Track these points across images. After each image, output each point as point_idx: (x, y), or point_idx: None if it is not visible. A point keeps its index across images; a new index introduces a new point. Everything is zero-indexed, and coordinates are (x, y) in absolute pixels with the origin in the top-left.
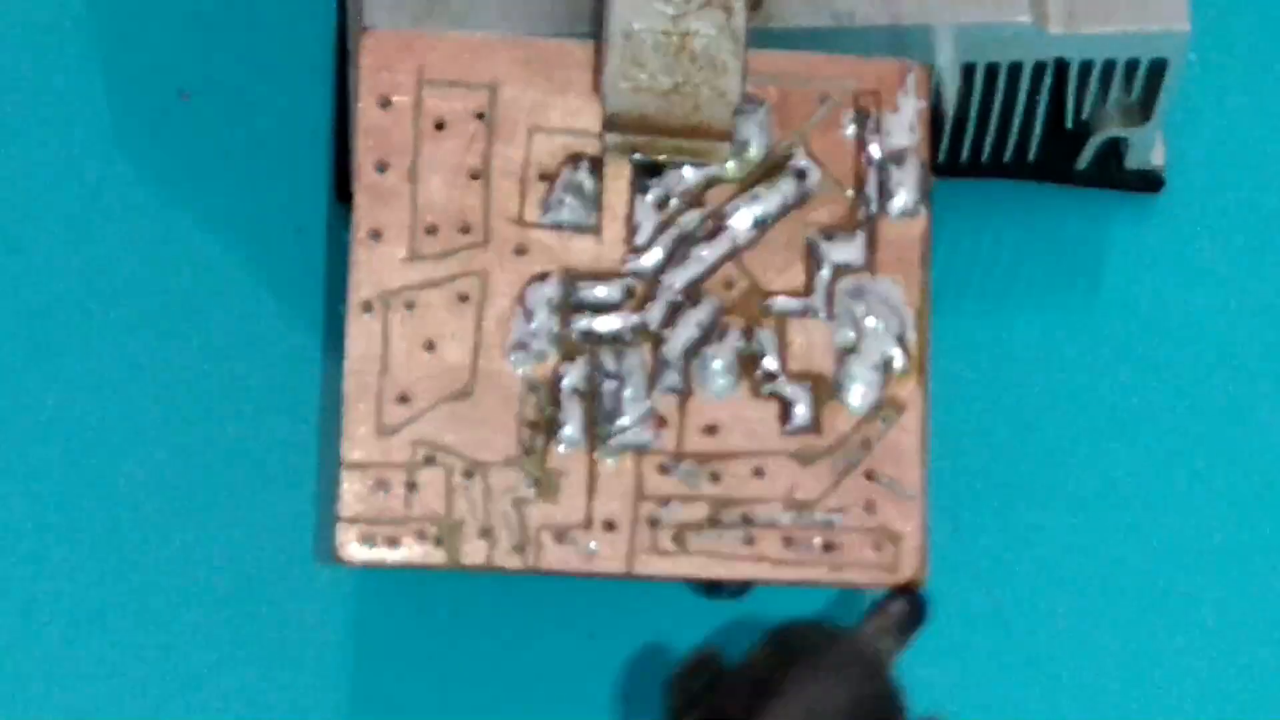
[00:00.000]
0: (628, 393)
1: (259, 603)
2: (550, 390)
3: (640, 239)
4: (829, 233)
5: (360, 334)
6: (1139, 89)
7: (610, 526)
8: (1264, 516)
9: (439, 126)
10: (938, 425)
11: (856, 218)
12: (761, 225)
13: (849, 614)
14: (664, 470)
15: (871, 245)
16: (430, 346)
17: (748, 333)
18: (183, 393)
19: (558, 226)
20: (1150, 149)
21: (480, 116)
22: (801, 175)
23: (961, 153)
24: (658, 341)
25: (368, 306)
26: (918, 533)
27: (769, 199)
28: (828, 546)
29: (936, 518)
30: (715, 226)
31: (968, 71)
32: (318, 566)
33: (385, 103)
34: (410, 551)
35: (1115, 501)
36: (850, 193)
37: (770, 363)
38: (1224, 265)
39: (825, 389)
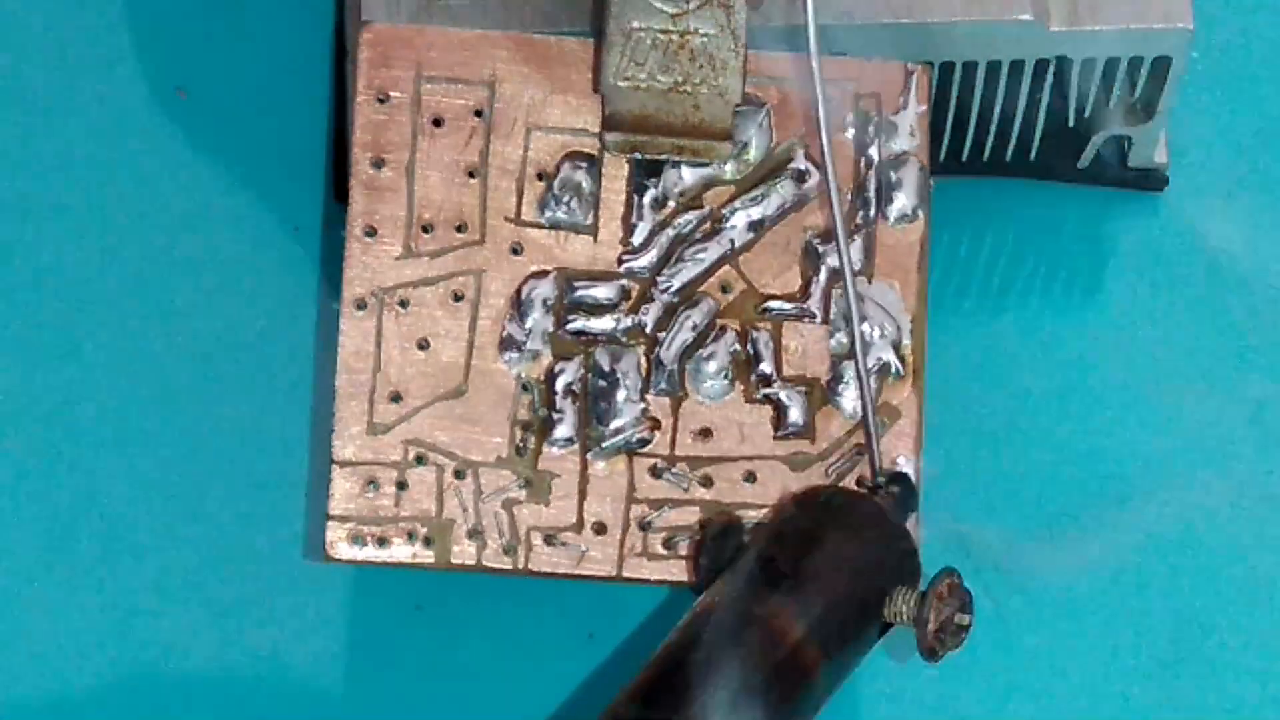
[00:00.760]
0: (621, 394)
1: (249, 599)
2: (544, 391)
3: (637, 239)
4: (827, 236)
5: (354, 331)
6: (1142, 87)
7: (601, 529)
8: (1264, 516)
9: (437, 123)
10: (937, 425)
11: (855, 221)
12: (759, 227)
13: None
14: (656, 473)
15: (869, 250)
16: (424, 345)
17: (743, 336)
18: (178, 389)
19: (554, 226)
20: (1153, 147)
21: (479, 114)
22: (800, 178)
23: (962, 152)
24: (653, 343)
25: (361, 304)
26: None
27: (767, 201)
28: None
29: (936, 518)
30: (713, 228)
31: (969, 70)
32: (308, 564)
33: (383, 98)
34: (400, 551)
35: (1115, 501)
36: (849, 196)
37: (765, 366)
38: (1226, 264)
39: (819, 394)
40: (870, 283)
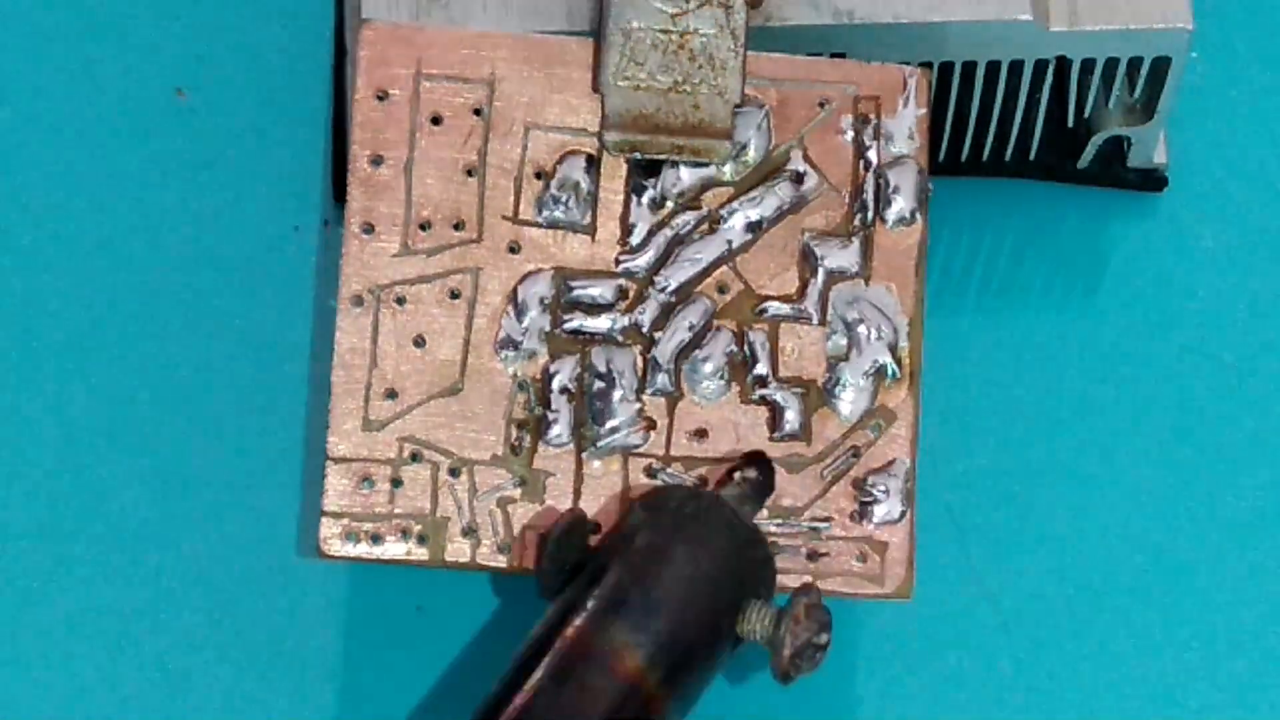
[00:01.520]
0: (617, 394)
1: (242, 596)
2: (539, 389)
3: (635, 239)
4: (824, 238)
5: (350, 328)
6: (1141, 87)
7: (595, 529)
8: (1264, 516)
9: (435, 121)
10: (937, 425)
11: (852, 224)
12: (756, 229)
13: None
14: (651, 473)
15: (866, 252)
16: (420, 342)
17: (739, 337)
18: (174, 386)
19: (552, 225)
20: (1153, 148)
21: (477, 112)
22: (798, 179)
23: (962, 152)
24: (649, 343)
25: (358, 300)
26: (904, 543)
27: (765, 202)
28: (812, 555)
29: (936, 519)
30: (710, 229)
31: (969, 70)
32: (301, 561)
33: (382, 96)
34: (394, 548)
35: (1115, 502)
36: (847, 198)
37: (761, 368)
38: (1226, 265)
39: (816, 396)
40: (867, 285)
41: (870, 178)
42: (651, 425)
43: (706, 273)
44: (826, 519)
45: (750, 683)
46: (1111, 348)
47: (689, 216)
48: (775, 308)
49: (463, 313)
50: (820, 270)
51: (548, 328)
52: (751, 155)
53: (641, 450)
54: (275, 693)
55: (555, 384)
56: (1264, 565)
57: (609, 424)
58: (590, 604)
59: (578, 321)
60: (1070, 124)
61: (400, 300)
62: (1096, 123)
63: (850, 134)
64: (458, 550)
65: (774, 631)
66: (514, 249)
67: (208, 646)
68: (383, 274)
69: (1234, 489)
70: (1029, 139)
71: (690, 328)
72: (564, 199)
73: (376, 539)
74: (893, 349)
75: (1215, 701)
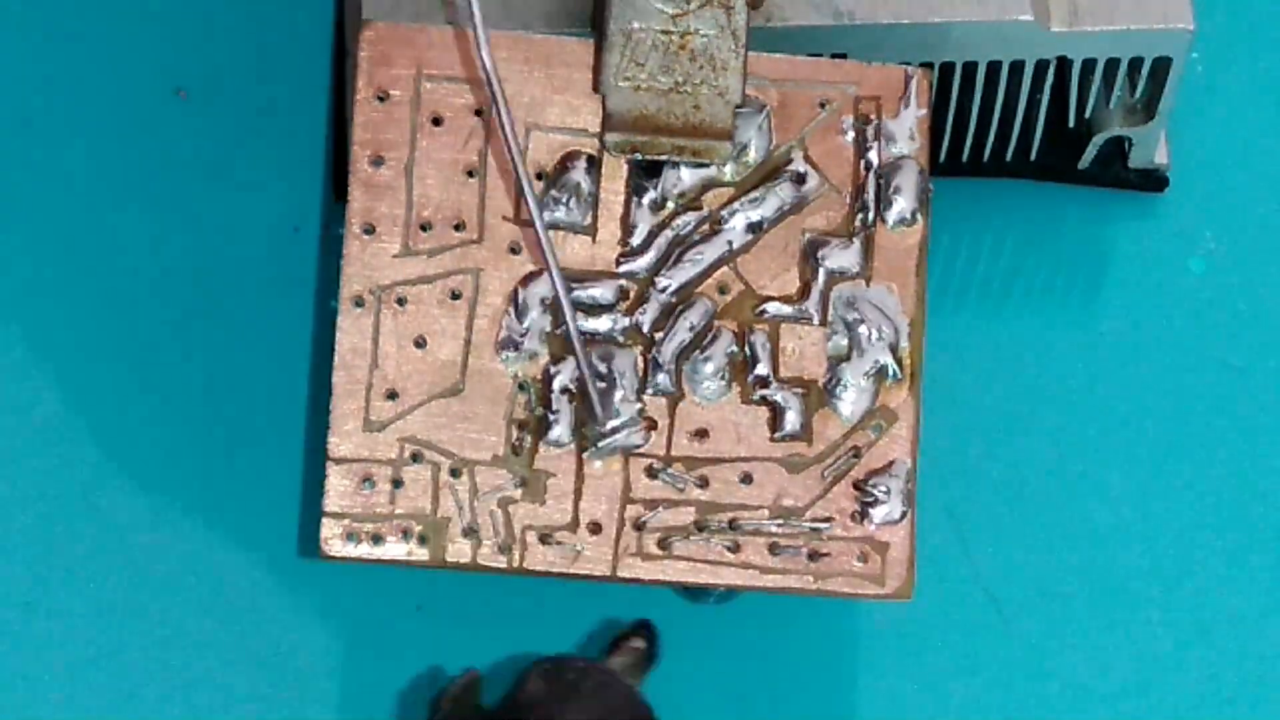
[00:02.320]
0: (618, 394)
1: (243, 597)
2: (540, 390)
3: (635, 240)
4: (825, 239)
5: (351, 328)
6: (1142, 88)
7: (596, 529)
8: (1264, 517)
9: (436, 122)
10: (937, 425)
11: (853, 224)
12: (757, 229)
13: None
14: (652, 474)
15: (867, 253)
16: (421, 343)
17: (740, 337)
18: (175, 386)
19: (553, 226)
20: (1154, 148)
21: (478, 113)
22: (799, 180)
23: (962, 153)
24: (650, 344)
25: (359, 301)
26: (905, 544)
27: (766, 203)
28: (813, 555)
29: (936, 519)
30: (711, 229)
31: (969, 70)
32: (302, 561)
33: (383, 97)
34: (394, 549)
35: (1115, 502)
36: (848, 199)
37: (762, 368)
38: (1226, 265)
39: (817, 396)
40: (868, 286)
41: (871, 178)
42: (652, 425)
43: (707, 273)
44: (827, 519)
45: (750, 682)
46: (1111, 348)
47: (690, 217)
48: (776, 308)
49: (463, 313)
50: (821, 271)
51: (549, 328)
52: (752, 156)
53: (642, 450)
54: (276, 692)
55: (556, 384)
56: (1265, 565)
57: (610, 424)
58: None
59: (579, 322)
60: (1071, 124)
61: (401, 301)
62: (1097, 123)
63: (851, 134)
64: (459, 551)
65: None
66: (515, 250)
67: (209, 646)
68: (384, 275)
69: (1234, 488)
70: (1030, 139)
71: (691, 328)
72: (565, 200)
73: (377, 539)
74: (894, 349)
75: (1215, 701)
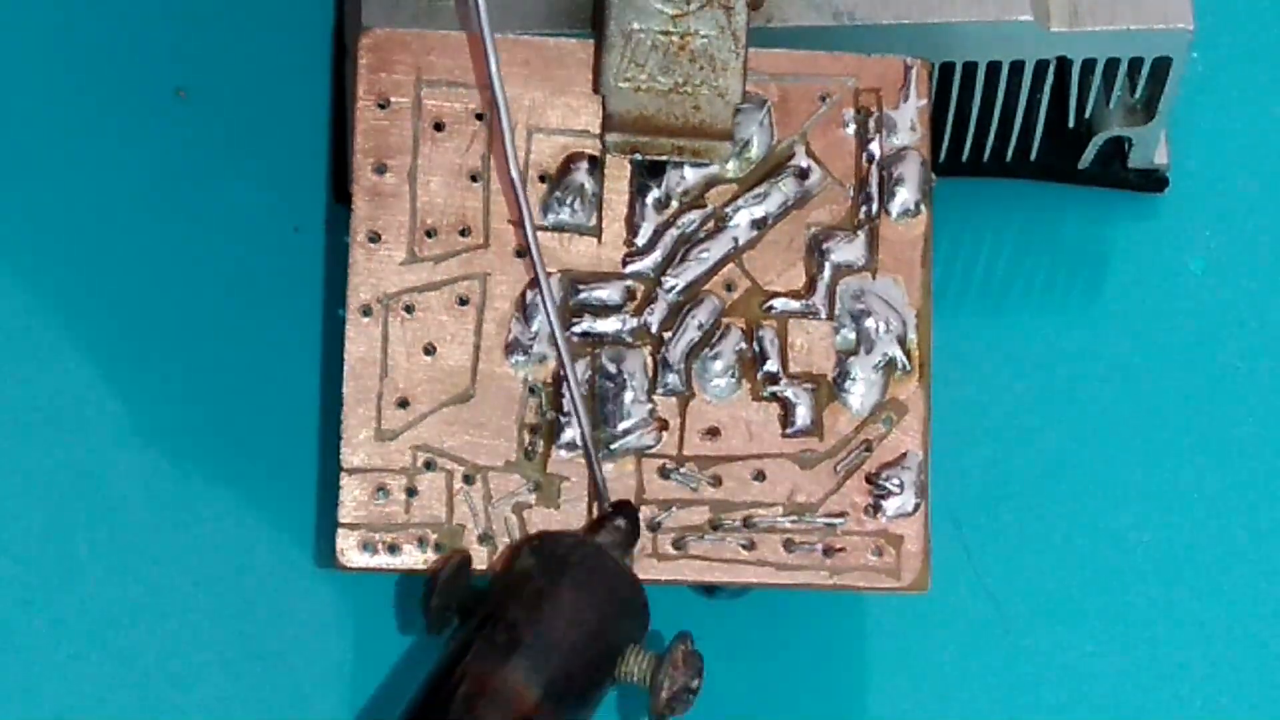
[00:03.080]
0: (628, 395)
1: (258, 608)
2: (551, 394)
3: (641, 240)
4: (830, 232)
5: (359, 338)
6: (1142, 88)
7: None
8: (1264, 516)
9: (438, 127)
10: (938, 425)
11: (857, 217)
12: (762, 225)
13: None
14: (665, 474)
15: (872, 245)
16: (430, 350)
17: (748, 334)
18: (181, 394)
19: (558, 228)
20: (1153, 148)
21: (480, 117)
22: (802, 174)
23: (962, 152)
24: (658, 343)
25: (367, 310)
26: (919, 536)
27: (770, 199)
28: (828, 551)
29: (936, 519)
30: (716, 227)
31: (969, 70)
32: (318, 571)
33: (384, 103)
34: (410, 557)
35: (1116, 501)
36: (851, 192)
37: (771, 364)
38: (1226, 265)
39: (826, 391)
40: (874, 278)
41: (874, 170)
42: (664, 425)
43: (714, 271)
44: (841, 514)
45: (750, 681)
46: (1111, 347)
47: (694, 215)
48: (783, 304)
49: (471, 319)
50: (827, 265)
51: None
52: (754, 152)
53: (655, 451)
54: (282, 698)
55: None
56: (1265, 565)
57: (621, 426)
58: (488, 645)
59: (587, 324)
60: (1071, 124)
61: (409, 308)
62: (1097, 123)
63: (852, 127)
64: (475, 557)
65: (652, 675)
66: (521, 253)
67: (225, 659)
68: (390, 283)
69: (1234, 488)
70: (1030, 139)
71: (699, 327)
72: (569, 202)
73: (393, 549)
74: (901, 341)
75: (1215, 700)
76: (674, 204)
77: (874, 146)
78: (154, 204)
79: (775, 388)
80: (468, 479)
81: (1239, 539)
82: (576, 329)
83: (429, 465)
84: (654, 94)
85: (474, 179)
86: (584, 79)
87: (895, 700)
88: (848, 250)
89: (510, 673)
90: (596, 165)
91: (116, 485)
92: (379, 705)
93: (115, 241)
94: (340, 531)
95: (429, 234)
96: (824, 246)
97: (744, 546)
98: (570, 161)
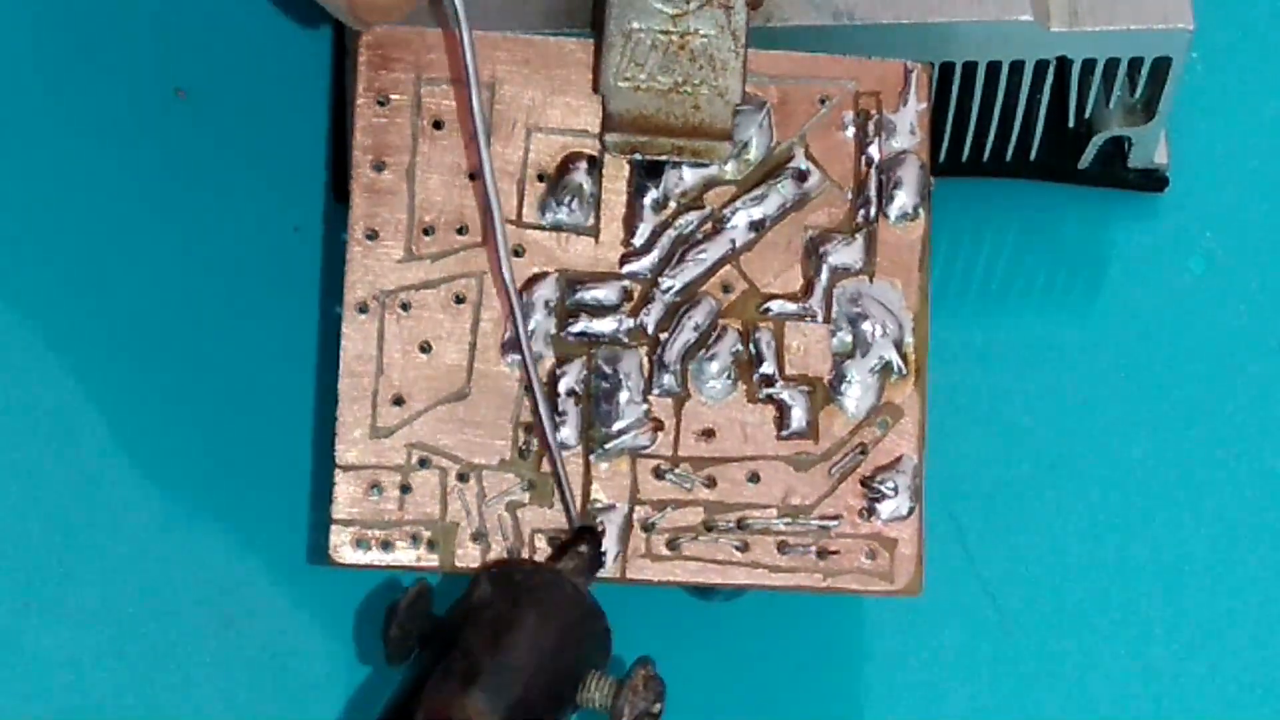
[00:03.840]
0: (624, 396)
1: (251, 604)
2: (546, 393)
3: (638, 240)
4: (828, 235)
5: (356, 335)
6: (1142, 88)
7: (604, 531)
8: (1264, 516)
9: (437, 125)
10: (937, 425)
11: (855, 220)
12: (760, 227)
13: (846, 617)
14: (659, 474)
15: (870, 248)
16: (426, 348)
17: (745, 336)
18: (177, 391)
19: (556, 227)
20: (1153, 148)
21: None
22: (801, 177)
23: (962, 152)
24: (655, 344)
25: (363, 307)
26: (913, 540)
27: (768, 201)
28: (822, 553)
29: (936, 519)
30: (714, 228)
31: (969, 70)
32: (311, 568)
33: (383, 101)
34: (404, 554)
35: (1115, 501)
36: (850, 195)
37: (767, 367)
38: (1226, 265)
39: (822, 393)
40: (872, 281)
41: (873, 173)
42: (659, 426)
43: (711, 272)
44: (835, 517)
45: (750, 681)
46: (1111, 347)
47: (692, 216)
48: (780, 306)
49: (468, 317)
50: (824, 267)
51: (553, 331)
52: (753, 153)
53: (650, 451)
54: (275, 694)
55: (562, 387)
56: (1265, 565)
57: (616, 426)
58: (446, 674)
59: (583, 324)
60: (1071, 124)
61: (405, 306)
62: (1097, 123)
63: (852, 130)
64: (468, 555)
65: (613, 701)
66: (518, 252)
67: (218, 655)
68: (387, 280)
69: (1234, 488)
70: (1029, 139)
71: (696, 328)
72: (567, 201)
73: (387, 546)
74: (898, 345)
75: (1215, 700)
76: (672, 205)
77: (873, 150)
78: (154, 204)
79: (771, 390)
80: (462, 477)
81: (1239, 539)
82: (573, 329)
83: (423, 463)
84: (653, 94)
85: (472, 177)
86: (584, 79)
87: (894, 700)
88: (845, 253)
89: (469, 702)
90: (595, 165)
91: (113, 482)
92: (371, 702)
93: (115, 241)
94: (334, 528)
95: (427, 232)
96: (822, 249)
97: (738, 548)
98: (569, 161)
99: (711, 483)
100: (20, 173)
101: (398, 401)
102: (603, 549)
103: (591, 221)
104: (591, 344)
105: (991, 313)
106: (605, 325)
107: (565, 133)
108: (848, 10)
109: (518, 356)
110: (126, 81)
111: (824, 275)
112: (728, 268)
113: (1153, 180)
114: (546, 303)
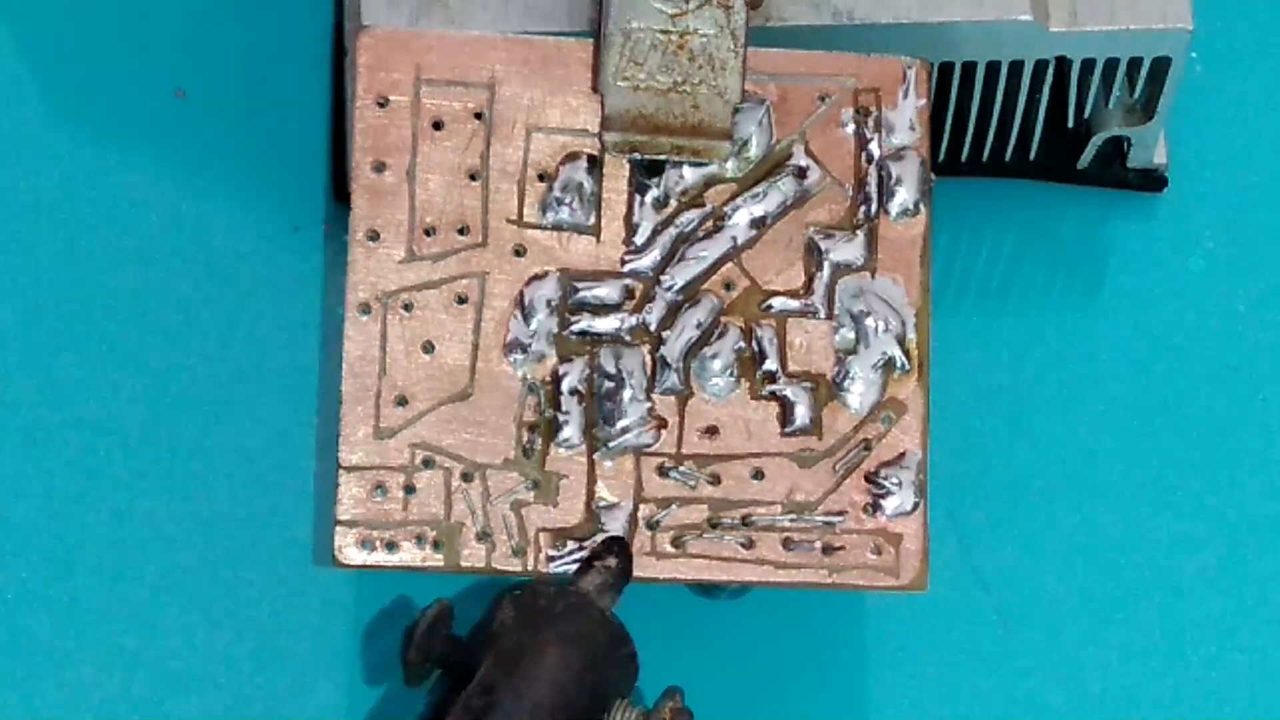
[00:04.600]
0: (627, 394)
1: (256, 605)
2: (549, 392)
3: (639, 239)
4: (829, 232)
5: (358, 336)
6: (1141, 88)
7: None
8: (1265, 516)
9: (437, 126)
10: (938, 425)
11: (856, 217)
12: (761, 224)
13: (848, 616)
14: (663, 472)
15: (871, 245)
16: (429, 348)
17: (747, 333)
18: (179, 393)
19: (557, 227)
20: (1153, 148)
21: (479, 116)
22: (801, 174)
23: (962, 152)
24: (657, 342)
25: (365, 308)
26: (918, 535)
27: (769, 198)
28: (827, 549)
29: (936, 518)
30: (715, 226)
31: (969, 70)
32: (316, 569)
33: (383, 102)
34: (409, 555)
35: (1115, 501)
36: (850, 191)
37: (770, 363)
38: (1226, 265)
39: (825, 390)
40: (873, 277)
41: (873, 170)
42: (662, 424)
43: (712, 270)
44: (840, 513)
45: (750, 680)
46: (1111, 347)
47: (693, 214)
48: (782, 303)
49: (470, 317)
50: (826, 264)
51: (555, 330)
52: (754, 151)
53: (653, 449)
54: (281, 696)
55: (565, 385)
56: (1265, 564)
57: (620, 424)
58: (466, 711)
59: (585, 323)
60: (1070, 124)
61: (408, 307)
62: (1096, 123)
63: (851, 127)
64: (473, 555)
65: None
66: (519, 252)
67: (223, 656)
68: (389, 281)
69: (1234, 488)
70: (1029, 139)
71: (698, 326)
72: (567, 200)
73: (391, 546)
74: (900, 341)
75: (1215, 700)
76: (673, 203)
77: (873, 146)
78: (154, 204)
79: (774, 387)
80: (466, 477)
81: (1239, 538)
82: (575, 328)
83: (427, 463)
84: (653, 93)
85: (473, 178)
86: (583, 78)
87: (895, 700)
88: (846, 250)
89: None
90: (595, 164)
91: (115, 483)
92: (377, 704)
93: (115, 241)
94: (338, 529)
95: (428, 232)
96: (823, 246)
97: (742, 545)
98: (569, 160)
99: (716, 480)
100: (20, 173)
101: (401, 402)
102: (630, 561)
103: (592, 221)
104: (594, 343)
105: (991, 313)
106: (607, 324)
107: (565, 132)
108: (847, 10)
109: (520, 356)
110: (126, 81)
111: (825, 272)
112: (729, 265)
113: (1152, 180)
114: (548, 302)
